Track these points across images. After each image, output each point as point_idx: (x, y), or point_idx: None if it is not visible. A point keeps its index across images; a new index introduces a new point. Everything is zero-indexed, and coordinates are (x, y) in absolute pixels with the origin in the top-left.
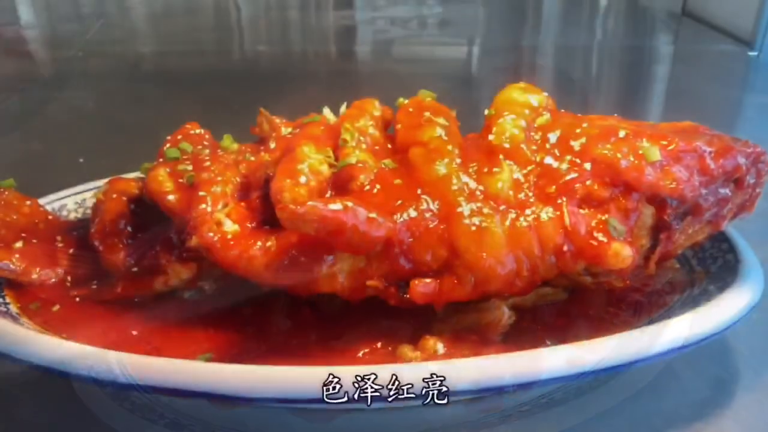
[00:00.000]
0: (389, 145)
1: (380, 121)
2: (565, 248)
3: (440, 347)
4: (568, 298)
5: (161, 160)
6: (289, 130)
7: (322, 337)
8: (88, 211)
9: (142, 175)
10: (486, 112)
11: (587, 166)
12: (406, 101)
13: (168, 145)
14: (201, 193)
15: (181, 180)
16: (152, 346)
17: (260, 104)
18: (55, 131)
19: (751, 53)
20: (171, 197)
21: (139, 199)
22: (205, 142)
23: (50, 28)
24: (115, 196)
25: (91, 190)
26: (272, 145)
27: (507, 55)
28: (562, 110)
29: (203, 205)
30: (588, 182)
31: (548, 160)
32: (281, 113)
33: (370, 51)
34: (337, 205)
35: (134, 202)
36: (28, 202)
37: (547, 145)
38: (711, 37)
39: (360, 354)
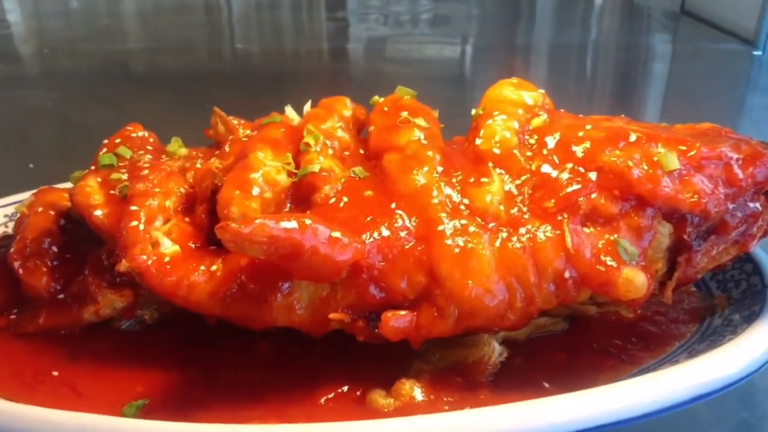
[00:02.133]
0: (362, 151)
1: (351, 123)
2: (567, 275)
3: (418, 392)
4: (569, 329)
5: (93, 167)
6: (248, 131)
7: (278, 379)
8: None
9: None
10: (473, 111)
11: (592, 175)
12: (382, 99)
13: (104, 150)
14: (133, 208)
15: (113, 192)
16: (74, 391)
17: (239, 104)
18: (6, 133)
19: (755, 52)
20: (98, 212)
21: (70, 213)
22: (149, 147)
23: (27, 25)
24: (41, 209)
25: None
26: (227, 149)
27: (501, 53)
28: (561, 110)
29: (135, 222)
30: (593, 195)
31: (546, 168)
32: (261, 114)
33: (363, 49)
34: (291, 223)
35: (65, 217)
36: None
37: (545, 151)
38: (712, 36)
39: (322, 401)
